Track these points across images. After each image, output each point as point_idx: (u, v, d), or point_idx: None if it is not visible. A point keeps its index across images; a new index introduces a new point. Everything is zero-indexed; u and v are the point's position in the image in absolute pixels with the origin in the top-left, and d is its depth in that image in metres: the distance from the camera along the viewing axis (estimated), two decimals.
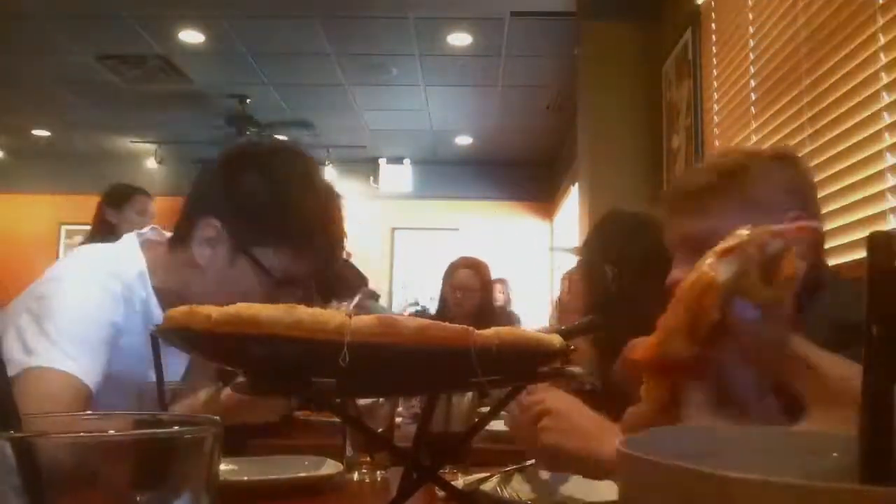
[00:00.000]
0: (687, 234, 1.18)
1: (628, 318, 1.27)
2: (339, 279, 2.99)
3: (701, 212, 1.19)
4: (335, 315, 0.63)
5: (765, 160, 1.22)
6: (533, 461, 1.17)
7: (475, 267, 3.53)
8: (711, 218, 1.17)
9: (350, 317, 0.63)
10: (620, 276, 1.89)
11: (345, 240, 1.35)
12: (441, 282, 3.59)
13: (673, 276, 1.21)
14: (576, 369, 0.88)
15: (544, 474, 1.12)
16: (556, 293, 3.01)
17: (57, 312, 1.15)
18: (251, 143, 1.21)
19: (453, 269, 3.55)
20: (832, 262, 1.80)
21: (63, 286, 1.19)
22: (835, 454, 0.31)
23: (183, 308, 0.66)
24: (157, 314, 1.24)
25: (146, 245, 1.31)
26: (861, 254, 1.25)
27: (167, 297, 1.27)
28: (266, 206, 1.25)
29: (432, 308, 4.14)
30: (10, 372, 1.09)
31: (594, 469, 0.99)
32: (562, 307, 2.67)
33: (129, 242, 1.32)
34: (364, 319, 0.63)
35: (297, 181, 1.28)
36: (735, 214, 1.19)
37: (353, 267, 3.87)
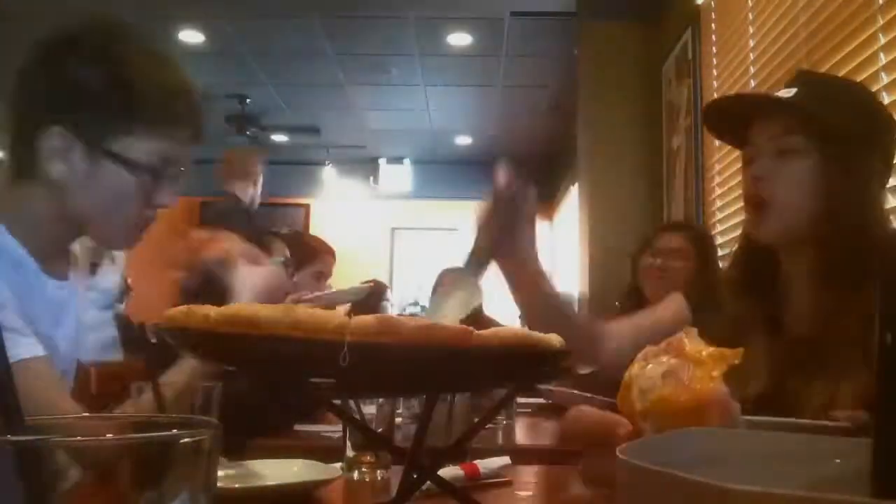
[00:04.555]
0: None
1: None
2: (304, 246, 2.93)
3: None
4: (335, 315, 0.63)
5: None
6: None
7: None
8: None
9: (350, 316, 0.63)
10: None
11: (198, 103, 1.20)
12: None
13: None
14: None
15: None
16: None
17: None
18: (63, 30, 1.08)
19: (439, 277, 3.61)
20: None
21: None
22: (838, 460, 0.30)
23: (181, 308, 0.65)
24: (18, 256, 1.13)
25: None
26: None
27: (34, 240, 1.14)
28: (105, 91, 1.12)
29: None
30: None
31: None
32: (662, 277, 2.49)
33: None
34: (364, 319, 0.62)
35: (131, 55, 1.15)
36: None
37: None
